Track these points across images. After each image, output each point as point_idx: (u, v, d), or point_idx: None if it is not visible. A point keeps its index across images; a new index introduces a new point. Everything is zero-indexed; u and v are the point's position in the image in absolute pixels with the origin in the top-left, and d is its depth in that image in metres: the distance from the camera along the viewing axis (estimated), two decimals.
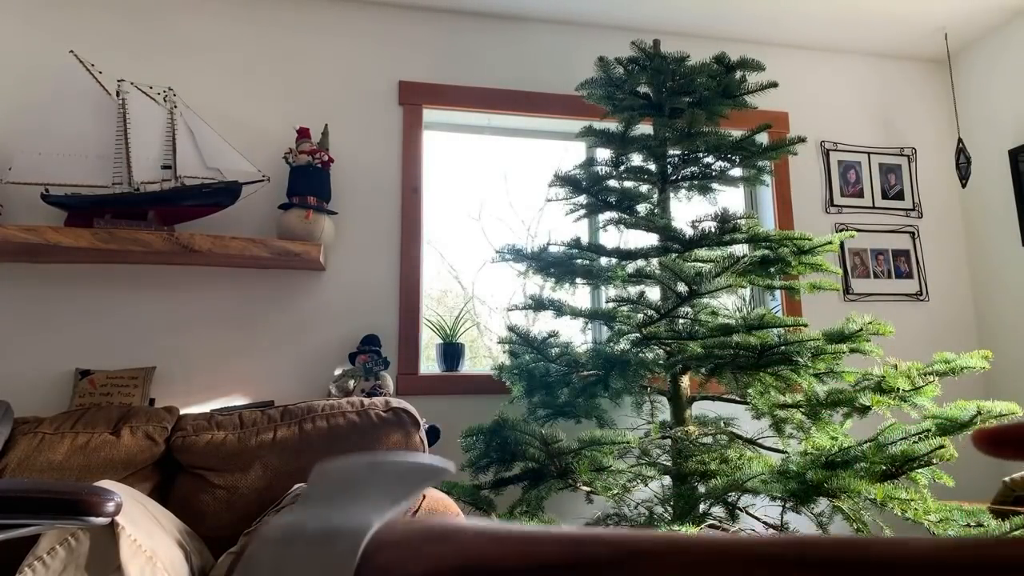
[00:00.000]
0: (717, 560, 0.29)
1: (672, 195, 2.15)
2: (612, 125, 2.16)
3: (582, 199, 2.14)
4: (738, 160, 2.06)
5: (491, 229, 2.74)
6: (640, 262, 2.03)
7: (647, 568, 0.30)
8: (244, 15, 2.45)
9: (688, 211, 2.30)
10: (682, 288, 1.75)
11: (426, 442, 1.91)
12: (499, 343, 2.21)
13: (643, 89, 2.18)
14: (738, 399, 1.95)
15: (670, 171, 2.13)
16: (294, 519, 0.38)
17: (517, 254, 2.08)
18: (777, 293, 2.71)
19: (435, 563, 0.35)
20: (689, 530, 1.57)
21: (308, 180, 2.19)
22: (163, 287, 2.21)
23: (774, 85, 2.07)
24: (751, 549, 0.28)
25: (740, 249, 1.95)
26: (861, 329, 1.78)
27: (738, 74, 2.07)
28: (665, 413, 2.08)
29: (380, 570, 0.35)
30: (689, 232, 1.86)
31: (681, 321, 1.93)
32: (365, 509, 0.38)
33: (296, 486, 1.64)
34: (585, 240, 2.03)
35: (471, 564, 0.35)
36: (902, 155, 3.02)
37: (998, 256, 2.87)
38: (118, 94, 2.07)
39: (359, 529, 0.36)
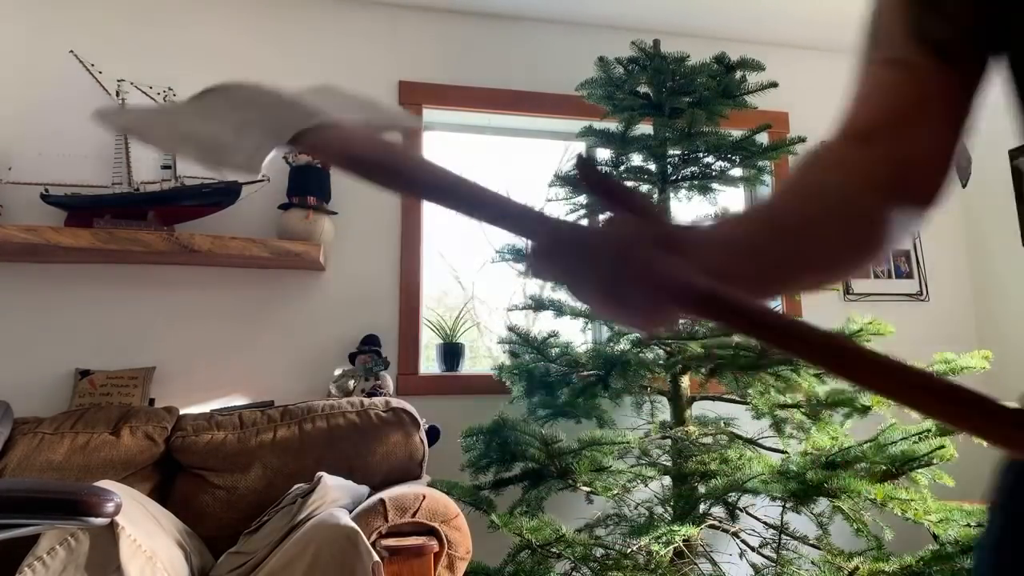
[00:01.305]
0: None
1: (672, 195, 2.15)
2: (612, 125, 2.15)
3: (582, 199, 2.14)
4: (738, 160, 2.06)
5: (491, 229, 2.73)
6: None
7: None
8: (244, 15, 2.45)
9: (688, 211, 2.30)
10: None
11: (426, 442, 1.91)
12: (499, 343, 2.20)
13: (643, 89, 2.18)
14: (738, 399, 1.94)
15: (670, 171, 2.13)
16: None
17: (517, 254, 2.08)
18: None
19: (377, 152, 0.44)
20: (689, 530, 1.58)
21: (308, 180, 2.19)
22: (163, 287, 2.21)
23: (774, 85, 2.06)
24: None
25: None
26: (861, 329, 1.78)
27: (738, 74, 2.07)
28: (665, 413, 2.08)
29: (322, 139, 0.44)
30: None
31: (681, 321, 1.93)
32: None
33: (296, 486, 1.64)
34: None
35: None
36: None
37: (998, 256, 2.87)
38: (118, 94, 2.07)
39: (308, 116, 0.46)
